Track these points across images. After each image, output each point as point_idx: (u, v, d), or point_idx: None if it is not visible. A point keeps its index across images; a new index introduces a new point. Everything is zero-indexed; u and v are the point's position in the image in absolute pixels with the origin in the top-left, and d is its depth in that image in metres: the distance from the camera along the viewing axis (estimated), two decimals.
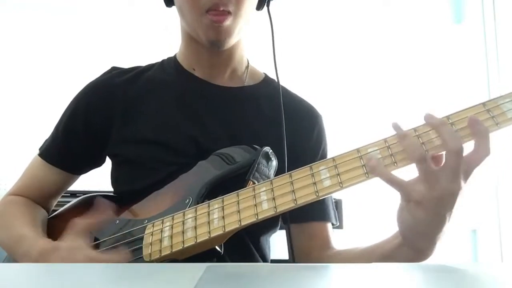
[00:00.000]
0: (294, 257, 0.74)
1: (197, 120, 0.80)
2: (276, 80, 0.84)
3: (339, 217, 1.40)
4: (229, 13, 0.73)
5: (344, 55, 2.23)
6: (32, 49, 2.16)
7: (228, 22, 0.74)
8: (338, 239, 0.84)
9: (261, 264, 0.76)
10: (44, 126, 0.90)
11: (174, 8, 0.83)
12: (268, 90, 0.87)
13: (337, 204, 1.41)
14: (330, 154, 0.90)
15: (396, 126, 0.58)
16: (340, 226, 1.39)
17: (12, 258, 0.75)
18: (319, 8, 2.28)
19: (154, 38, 2.07)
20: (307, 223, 0.81)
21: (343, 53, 2.24)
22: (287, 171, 0.65)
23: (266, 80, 0.90)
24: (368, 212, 1.99)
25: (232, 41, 0.78)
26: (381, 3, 2.31)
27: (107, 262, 0.60)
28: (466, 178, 0.56)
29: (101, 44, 2.14)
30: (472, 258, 2.05)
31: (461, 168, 0.54)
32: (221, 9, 0.72)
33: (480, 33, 2.14)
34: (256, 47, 0.94)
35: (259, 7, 0.82)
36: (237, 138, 0.78)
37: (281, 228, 0.88)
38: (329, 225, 0.83)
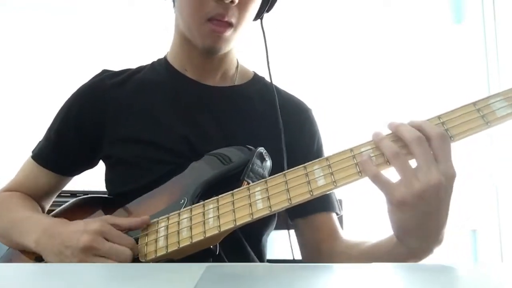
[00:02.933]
0: (314, 251, 0.78)
1: (190, 120, 0.80)
2: (269, 79, 0.86)
3: (339, 218, 1.40)
4: (230, 24, 0.74)
5: (344, 55, 2.23)
6: (31, 50, 2.16)
7: (228, 33, 0.75)
8: None
9: (260, 264, 0.76)
10: (43, 125, 0.90)
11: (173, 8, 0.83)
12: (258, 87, 0.88)
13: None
14: (327, 151, 0.90)
15: (374, 133, 0.59)
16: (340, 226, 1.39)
17: (11, 241, 0.74)
18: (319, 7, 2.28)
19: (154, 38, 2.07)
20: (312, 215, 0.82)
21: (343, 52, 2.24)
22: (285, 167, 0.64)
23: (256, 78, 0.91)
24: (368, 212, 1.99)
25: (227, 49, 0.80)
26: (381, 3, 2.31)
27: (120, 239, 0.61)
28: (441, 168, 0.54)
29: (101, 45, 2.14)
30: (472, 258, 2.05)
31: (429, 157, 0.54)
32: (225, 19, 0.73)
33: (480, 33, 2.14)
34: (248, 45, 0.95)
35: (255, 18, 0.84)
36: (230, 137, 0.79)
37: (280, 228, 0.88)
38: (333, 215, 0.84)
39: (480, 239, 2.05)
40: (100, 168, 0.89)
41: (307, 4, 2.27)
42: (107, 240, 0.60)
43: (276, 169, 0.67)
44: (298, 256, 0.89)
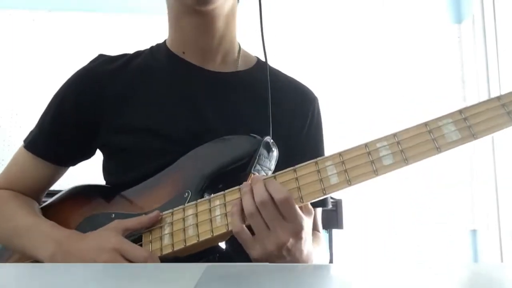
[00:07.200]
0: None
1: (190, 107, 0.77)
2: (265, 59, 0.82)
3: (339, 217, 1.40)
4: None
5: (343, 55, 2.23)
6: (22, 45, 2.15)
7: None
8: (338, 239, 0.82)
9: (260, 264, 0.75)
10: (30, 120, 0.87)
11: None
12: (261, 74, 0.83)
13: (337, 204, 1.41)
14: (327, 147, 0.88)
15: (243, 185, 0.60)
16: (340, 226, 1.39)
17: (16, 250, 0.72)
18: (318, 7, 2.27)
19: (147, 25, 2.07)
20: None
21: (341, 52, 2.24)
22: (286, 156, 0.64)
23: (259, 64, 0.87)
24: (368, 212, 1.99)
25: (217, 1, 0.73)
26: (380, 3, 2.31)
27: (134, 256, 0.59)
28: (289, 227, 0.56)
29: (94, 41, 2.14)
30: (472, 258, 2.05)
31: (275, 218, 0.56)
32: None
33: (480, 33, 2.14)
34: (249, 33, 0.92)
35: None
36: (232, 125, 0.76)
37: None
38: (320, 209, 0.84)
39: (480, 239, 2.05)
40: (91, 164, 0.87)
41: (305, 3, 2.27)
42: (123, 256, 0.59)
43: (282, 157, 0.66)
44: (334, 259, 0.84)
